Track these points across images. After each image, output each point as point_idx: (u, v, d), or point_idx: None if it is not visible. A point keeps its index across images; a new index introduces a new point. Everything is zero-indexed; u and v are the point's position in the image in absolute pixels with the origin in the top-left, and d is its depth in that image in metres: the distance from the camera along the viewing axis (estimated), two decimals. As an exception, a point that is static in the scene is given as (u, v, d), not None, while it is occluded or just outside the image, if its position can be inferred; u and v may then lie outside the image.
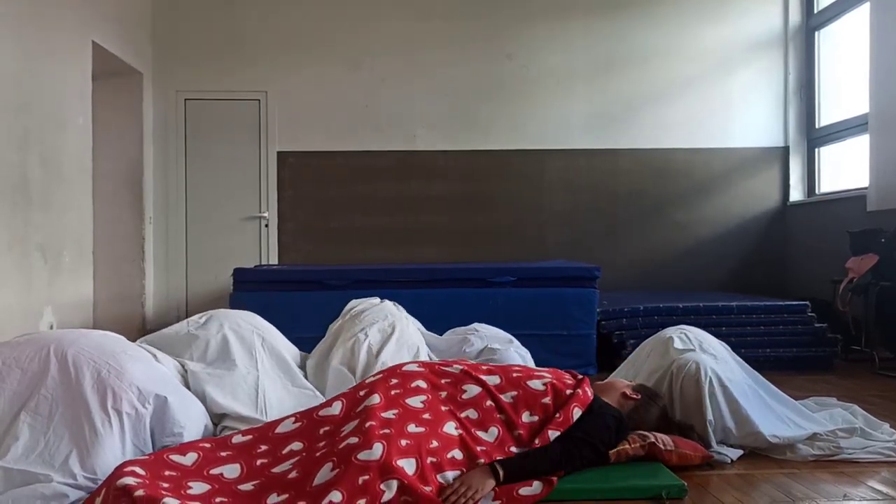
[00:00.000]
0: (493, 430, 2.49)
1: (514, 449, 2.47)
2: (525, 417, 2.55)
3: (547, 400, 2.59)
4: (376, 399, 2.44)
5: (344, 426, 2.37)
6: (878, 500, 2.43)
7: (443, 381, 2.61)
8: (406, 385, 2.55)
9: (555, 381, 2.66)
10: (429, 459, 2.28)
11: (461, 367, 2.69)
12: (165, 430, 2.46)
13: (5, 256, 4.40)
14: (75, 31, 5.36)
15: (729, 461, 2.79)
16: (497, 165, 6.97)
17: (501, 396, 2.57)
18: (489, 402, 2.55)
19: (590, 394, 2.67)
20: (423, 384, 2.58)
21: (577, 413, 2.56)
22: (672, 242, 6.99)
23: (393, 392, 2.50)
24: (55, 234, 5.00)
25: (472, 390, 2.58)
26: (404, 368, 2.68)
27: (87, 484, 2.22)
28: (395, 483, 2.15)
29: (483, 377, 2.63)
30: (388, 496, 2.14)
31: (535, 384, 2.64)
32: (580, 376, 2.79)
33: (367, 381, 2.64)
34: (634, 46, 7.02)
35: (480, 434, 2.47)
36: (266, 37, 6.92)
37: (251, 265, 6.29)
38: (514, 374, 2.69)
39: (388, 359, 3.26)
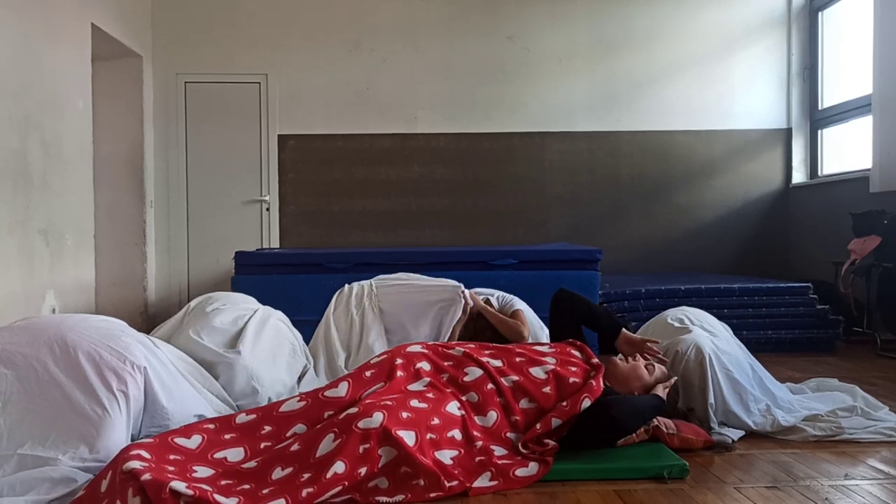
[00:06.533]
0: (492, 415, 2.51)
1: (509, 435, 2.49)
2: (523, 404, 2.56)
3: (547, 389, 2.59)
4: (380, 385, 2.46)
5: (347, 410, 2.37)
6: (878, 479, 2.44)
7: (445, 364, 2.62)
8: (409, 368, 2.55)
9: (558, 370, 2.65)
10: (428, 436, 2.30)
11: (463, 349, 2.70)
12: (154, 419, 2.46)
13: (7, 240, 4.40)
14: (75, 14, 5.32)
15: (730, 441, 2.80)
16: (498, 148, 6.95)
17: (502, 380, 2.58)
18: (490, 385, 2.56)
19: (602, 386, 2.65)
20: (426, 366, 2.59)
21: (586, 404, 2.56)
22: (674, 225, 6.98)
23: (399, 373, 2.51)
24: (57, 217, 4.99)
25: (474, 373, 2.59)
26: (408, 350, 2.68)
27: (95, 465, 2.22)
28: (393, 451, 2.18)
29: (485, 359, 2.64)
30: (384, 461, 2.18)
31: (537, 372, 2.63)
32: (595, 360, 2.76)
33: (372, 362, 2.64)
34: (636, 28, 6.97)
35: (478, 419, 2.49)
36: (266, 19, 6.88)
37: (252, 248, 6.29)
38: (517, 359, 2.68)
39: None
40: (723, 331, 3.30)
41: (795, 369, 4.24)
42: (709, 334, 3.17)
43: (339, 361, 3.54)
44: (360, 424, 2.21)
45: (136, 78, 6.52)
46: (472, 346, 2.79)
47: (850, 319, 5.27)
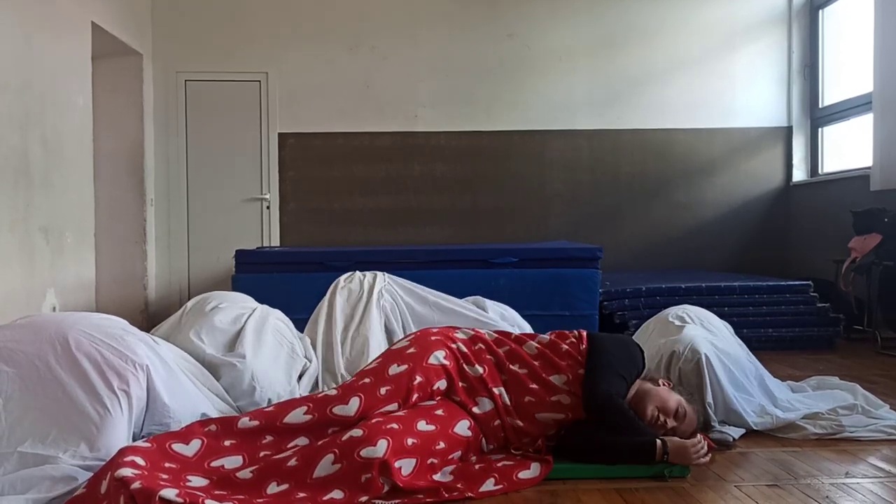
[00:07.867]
0: (490, 447, 2.53)
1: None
2: (525, 441, 2.56)
3: (552, 432, 2.57)
4: (394, 407, 2.40)
5: (351, 431, 2.27)
6: (879, 477, 2.44)
7: (461, 385, 2.54)
8: (426, 389, 2.48)
9: (569, 418, 2.55)
10: (429, 460, 2.28)
11: (481, 370, 2.58)
12: (156, 417, 2.45)
13: (8, 238, 4.40)
14: (75, 11, 5.32)
15: (731, 439, 2.79)
16: (498, 146, 6.95)
17: (507, 419, 2.53)
18: (497, 422, 2.52)
19: None
20: (443, 385, 2.53)
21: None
22: (674, 223, 6.98)
23: (415, 396, 2.45)
24: (57, 215, 4.99)
25: (484, 405, 2.52)
26: (429, 362, 2.55)
27: (96, 464, 2.20)
28: (392, 482, 2.16)
29: (497, 391, 2.54)
30: (388, 488, 2.16)
31: (546, 418, 2.55)
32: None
33: (390, 373, 2.50)
34: (636, 25, 6.97)
35: (483, 444, 2.51)
36: (267, 17, 6.87)
37: (253, 247, 6.30)
38: (527, 399, 2.55)
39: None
40: (723, 329, 3.30)
41: (796, 367, 4.24)
42: (709, 333, 3.17)
43: (336, 333, 3.50)
44: (363, 453, 2.15)
45: (137, 76, 6.52)
46: (493, 359, 2.63)
47: (850, 317, 5.28)
